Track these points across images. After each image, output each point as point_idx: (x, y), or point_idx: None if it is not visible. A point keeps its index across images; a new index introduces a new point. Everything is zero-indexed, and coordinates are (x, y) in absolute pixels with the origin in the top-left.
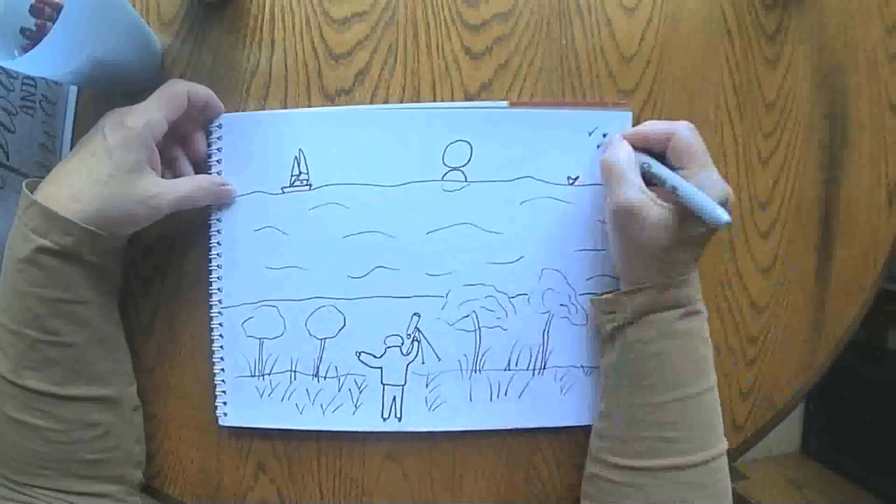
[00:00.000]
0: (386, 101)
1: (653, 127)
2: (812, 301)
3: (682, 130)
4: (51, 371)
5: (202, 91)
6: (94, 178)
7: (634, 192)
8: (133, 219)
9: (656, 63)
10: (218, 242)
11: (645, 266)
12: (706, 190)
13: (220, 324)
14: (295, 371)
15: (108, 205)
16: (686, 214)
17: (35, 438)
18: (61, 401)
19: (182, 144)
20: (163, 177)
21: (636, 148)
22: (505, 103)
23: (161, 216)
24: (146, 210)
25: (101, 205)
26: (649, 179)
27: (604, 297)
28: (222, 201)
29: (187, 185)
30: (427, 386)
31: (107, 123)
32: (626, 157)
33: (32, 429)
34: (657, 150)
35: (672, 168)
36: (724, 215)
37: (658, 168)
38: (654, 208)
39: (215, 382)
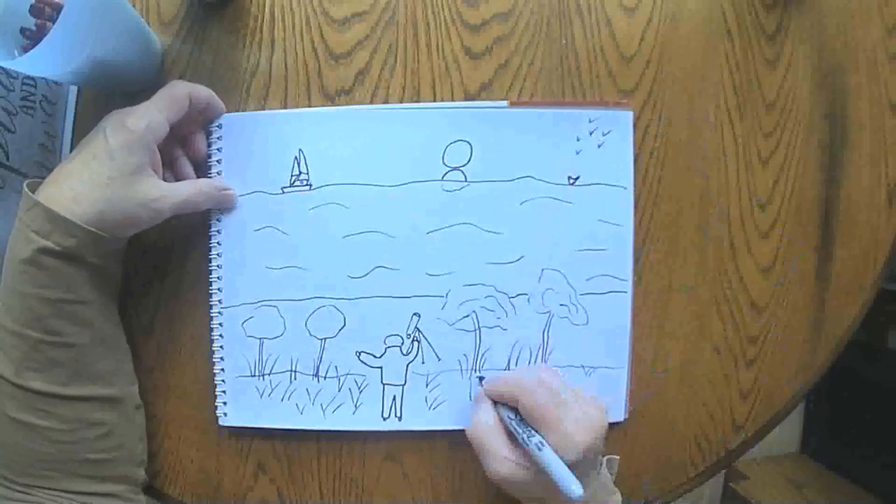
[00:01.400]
0: (386, 101)
1: (499, 388)
2: (812, 301)
3: (525, 397)
4: (53, 372)
5: (203, 92)
6: (96, 181)
7: (499, 464)
8: (134, 221)
9: (656, 63)
10: (218, 242)
11: None
12: (561, 449)
13: (220, 324)
14: (295, 371)
15: (110, 207)
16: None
17: (38, 439)
18: (64, 401)
19: (182, 145)
20: (163, 177)
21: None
22: (505, 103)
23: (162, 219)
24: (147, 213)
25: (102, 207)
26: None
27: None
28: (223, 206)
29: (189, 189)
30: (427, 386)
31: (108, 125)
32: (486, 425)
33: (35, 430)
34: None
35: None
36: (576, 490)
37: (519, 431)
38: (523, 475)
39: (215, 382)
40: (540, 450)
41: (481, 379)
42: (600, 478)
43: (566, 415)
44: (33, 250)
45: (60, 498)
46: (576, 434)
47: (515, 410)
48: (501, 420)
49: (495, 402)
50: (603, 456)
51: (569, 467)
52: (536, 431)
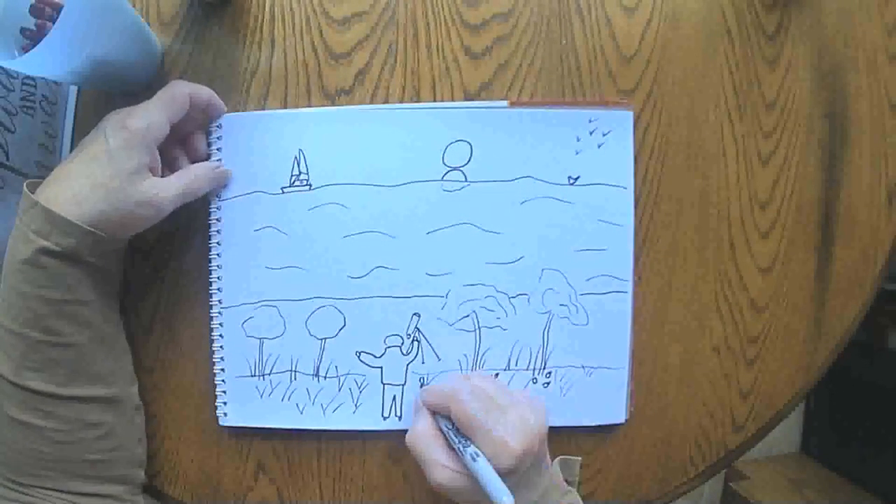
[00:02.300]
0: (386, 101)
1: (432, 397)
2: (812, 301)
3: (456, 406)
4: (52, 372)
5: (204, 92)
6: (96, 181)
7: (438, 472)
8: (135, 220)
9: (656, 63)
10: (218, 242)
11: None
12: (494, 457)
13: (221, 324)
14: (295, 371)
15: (110, 207)
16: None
17: (38, 439)
18: (63, 401)
19: (182, 145)
20: (162, 177)
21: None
22: (505, 103)
23: (164, 215)
24: (148, 211)
25: (102, 207)
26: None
27: None
28: (221, 183)
29: (185, 178)
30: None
31: (108, 125)
32: (424, 433)
33: (35, 429)
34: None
35: None
36: (507, 500)
37: (455, 441)
38: (463, 482)
39: (215, 382)
40: (474, 460)
41: (423, 386)
42: (550, 479)
43: (498, 422)
44: (33, 250)
45: (58, 498)
46: (509, 441)
47: (449, 420)
48: (440, 429)
49: (434, 412)
50: (556, 457)
51: (504, 474)
52: (471, 440)
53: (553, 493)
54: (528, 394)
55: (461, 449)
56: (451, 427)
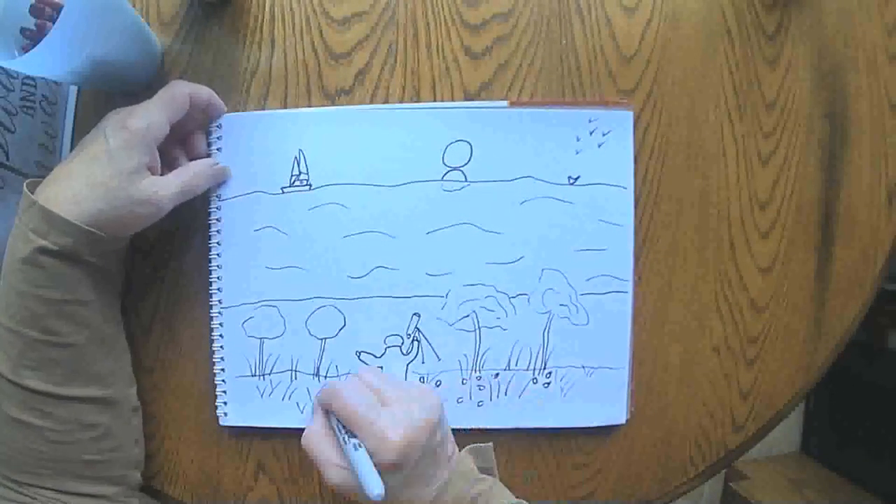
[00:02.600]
0: (386, 101)
1: (320, 396)
2: (812, 301)
3: (335, 402)
4: (50, 371)
5: (204, 92)
6: (95, 181)
7: (333, 471)
8: (135, 220)
9: (656, 63)
10: (218, 242)
11: None
12: (376, 451)
13: (221, 324)
14: (295, 371)
15: (109, 206)
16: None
17: (34, 438)
18: (60, 401)
19: (182, 145)
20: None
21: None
22: (505, 103)
23: (164, 213)
24: (148, 210)
25: (101, 206)
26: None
27: None
28: (220, 180)
29: (184, 176)
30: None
31: (108, 125)
32: (315, 433)
33: (32, 428)
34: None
35: None
36: (374, 488)
37: (339, 436)
38: (351, 481)
39: (215, 382)
40: (355, 450)
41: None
42: (456, 468)
43: (380, 415)
44: (31, 250)
45: (53, 497)
46: (389, 433)
47: (336, 425)
48: (332, 427)
49: (327, 410)
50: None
51: (388, 468)
52: (356, 435)
53: (458, 483)
54: (426, 388)
55: (345, 443)
56: (339, 423)
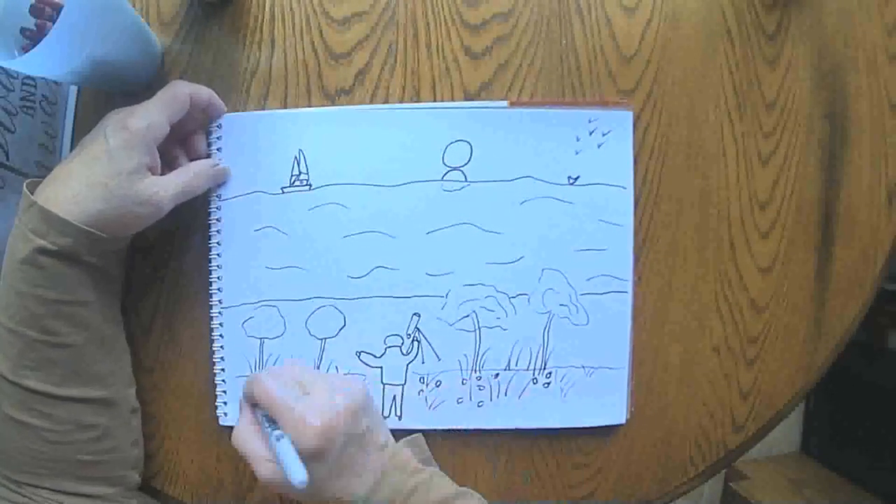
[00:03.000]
0: (386, 101)
1: (245, 389)
2: (812, 301)
3: (258, 385)
4: (49, 371)
5: (204, 92)
6: (95, 181)
7: (262, 466)
8: (135, 220)
9: (656, 63)
10: (218, 242)
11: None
12: (297, 438)
13: (221, 324)
14: None
15: (109, 206)
16: None
17: (33, 438)
18: (59, 401)
19: (182, 145)
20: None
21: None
22: (505, 103)
23: (163, 213)
24: (147, 210)
25: (101, 207)
26: None
27: None
28: (220, 181)
29: (184, 176)
30: (427, 385)
31: (108, 125)
32: (243, 429)
33: (30, 428)
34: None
35: None
36: (297, 475)
37: (263, 427)
38: (280, 476)
39: (215, 382)
40: (278, 441)
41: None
42: (388, 460)
43: (299, 400)
44: (30, 250)
45: (51, 497)
46: (308, 417)
47: (260, 418)
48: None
49: (253, 404)
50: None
51: (312, 455)
52: (278, 424)
53: (394, 475)
54: (351, 377)
55: (269, 433)
56: (264, 416)
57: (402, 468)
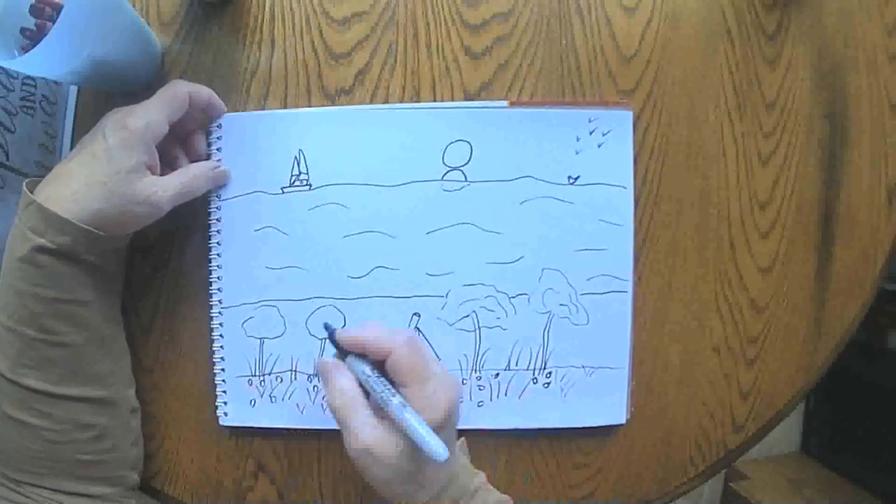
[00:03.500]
0: (386, 101)
1: (370, 339)
2: (812, 301)
3: (401, 348)
4: (48, 370)
5: (204, 92)
6: (94, 180)
7: (369, 431)
8: (133, 219)
9: (656, 63)
10: (218, 242)
11: (404, 491)
12: (425, 410)
13: (221, 324)
14: (295, 371)
15: (108, 205)
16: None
17: (32, 437)
18: (58, 400)
19: (182, 145)
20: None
21: (357, 354)
22: (505, 103)
23: (162, 214)
24: (146, 209)
25: (100, 206)
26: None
27: None
28: (220, 183)
29: (184, 177)
30: None
31: (108, 124)
32: (350, 390)
33: (29, 427)
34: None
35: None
36: (443, 451)
37: (379, 392)
38: (386, 448)
39: (215, 382)
40: (404, 408)
41: (327, 326)
42: (461, 458)
43: (433, 376)
44: (29, 248)
45: (49, 496)
46: (441, 396)
47: (371, 367)
48: (358, 380)
49: (345, 360)
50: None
51: (434, 429)
52: (396, 391)
53: (463, 475)
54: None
55: (385, 398)
56: (370, 374)
57: (466, 468)
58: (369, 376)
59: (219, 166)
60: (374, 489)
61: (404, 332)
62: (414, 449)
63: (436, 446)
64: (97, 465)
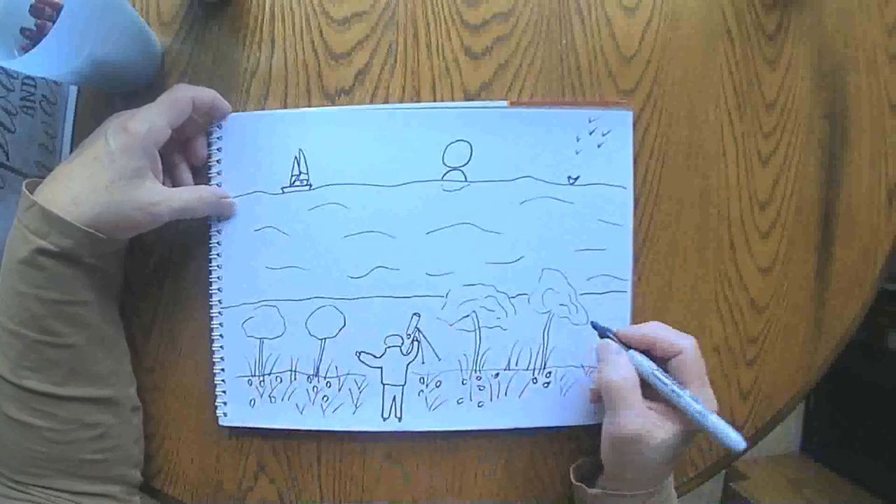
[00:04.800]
0: (386, 101)
1: (661, 336)
2: (812, 301)
3: (690, 349)
4: (49, 372)
5: (207, 97)
6: (96, 183)
7: (638, 419)
8: (133, 224)
9: (656, 63)
10: (218, 242)
11: (633, 480)
12: (708, 405)
13: (221, 324)
14: (295, 371)
15: (109, 210)
16: (685, 436)
17: (34, 438)
18: (60, 401)
19: (183, 148)
20: (163, 182)
21: (637, 349)
22: (505, 103)
23: (161, 224)
24: (145, 217)
25: (101, 209)
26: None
27: (591, 492)
28: (222, 213)
29: (188, 196)
30: (427, 386)
31: (110, 127)
32: (629, 377)
33: (32, 429)
34: (656, 355)
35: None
36: (740, 440)
37: (669, 387)
38: (656, 434)
39: (215, 382)
40: (697, 402)
41: (595, 326)
42: None
43: (708, 381)
44: (30, 251)
45: (55, 497)
46: (712, 399)
47: (653, 363)
48: (638, 371)
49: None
50: None
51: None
52: (681, 386)
53: (669, 486)
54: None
55: (677, 391)
56: (656, 369)
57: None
58: (656, 370)
59: (226, 196)
60: (620, 471)
61: (690, 336)
62: (676, 443)
63: (735, 435)
64: (100, 464)
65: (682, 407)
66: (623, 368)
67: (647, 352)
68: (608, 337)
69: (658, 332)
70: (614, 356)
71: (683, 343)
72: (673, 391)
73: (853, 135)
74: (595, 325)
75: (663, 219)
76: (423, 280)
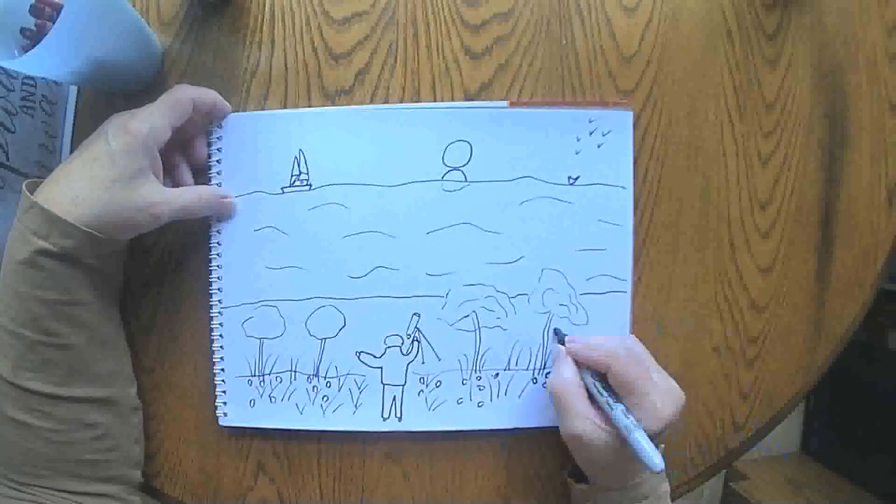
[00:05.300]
0: (386, 101)
1: (591, 353)
2: (812, 301)
3: (616, 366)
4: (49, 372)
5: (208, 97)
6: (96, 183)
7: (580, 421)
8: (133, 225)
9: (656, 63)
10: (218, 242)
11: (604, 475)
12: (645, 420)
13: (221, 324)
14: (295, 371)
15: (109, 210)
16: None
17: (34, 439)
18: (60, 401)
19: (183, 149)
20: (163, 183)
21: (581, 365)
22: (505, 103)
23: (161, 224)
24: (146, 218)
25: (101, 210)
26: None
27: (579, 486)
28: (222, 214)
29: (189, 196)
30: (427, 386)
31: (110, 128)
32: (570, 382)
33: (32, 429)
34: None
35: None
36: (659, 462)
37: (601, 397)
38: (599, 435)
39: (215, 382)
40: (626, 417)
41: (557, 332)
42: None
43: (654, 387)
44: (31, 251)
45: (55, 497)
46: (662, 407)
47: (599, 375)
48: (583, 381)
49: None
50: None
51: (651, 437)
52: (619, 399)
53: (654, 476)
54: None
55: (609, 404)
56: (597, 382)
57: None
58: (595, 384)
59: (226, 197)
60: (581, 467)
61: (625, 344)
62: (620, 446)
63: (652, 456)
64: (101, 464)
65: (613, 419)
66: (566, 373)
67: None
68: (562, 342)
69: (581, 352)
70: (557, 361)
71: (609, 360)
72: (607, 403)
73: (853, 134)
74: (556, 332)
75: (663, 219)
76: (423, 280)
